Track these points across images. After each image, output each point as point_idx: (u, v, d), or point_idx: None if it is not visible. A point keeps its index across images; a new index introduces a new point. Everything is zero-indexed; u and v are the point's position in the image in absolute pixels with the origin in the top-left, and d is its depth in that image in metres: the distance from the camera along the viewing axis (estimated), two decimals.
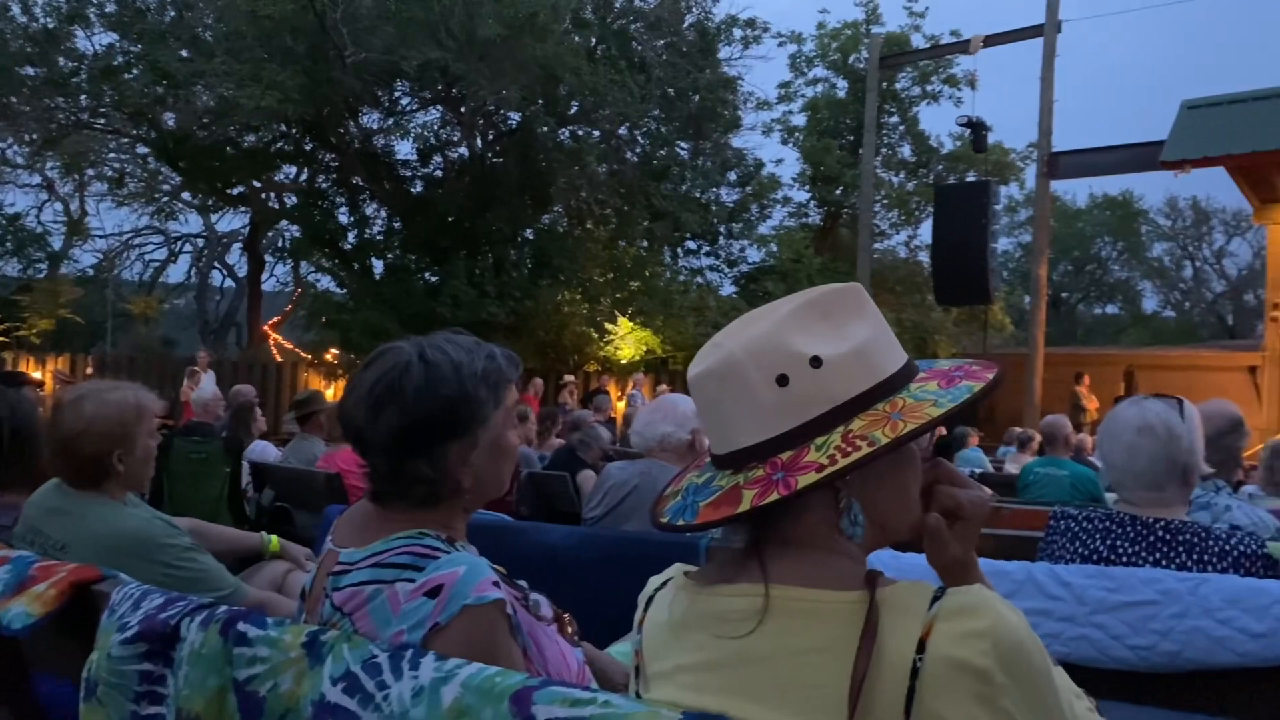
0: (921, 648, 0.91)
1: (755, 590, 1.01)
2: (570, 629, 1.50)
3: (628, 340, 17.76)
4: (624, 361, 17.64)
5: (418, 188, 18.26)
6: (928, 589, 0.97)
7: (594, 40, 17.52)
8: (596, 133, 17.31)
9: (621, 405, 14.58)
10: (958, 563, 1.12)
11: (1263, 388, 14.32)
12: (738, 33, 19.20)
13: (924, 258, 20.71)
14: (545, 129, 16.20)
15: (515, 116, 17.19)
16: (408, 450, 1.37)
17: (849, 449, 0.99)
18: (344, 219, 18.14)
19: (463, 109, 17.06)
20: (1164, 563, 2.03)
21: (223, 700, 1.30)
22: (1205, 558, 2.02)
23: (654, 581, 1.17)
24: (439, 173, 18.25)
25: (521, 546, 2.80)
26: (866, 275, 17.19)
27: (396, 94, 17.17)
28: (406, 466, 1.38)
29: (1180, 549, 2.04)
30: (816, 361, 1.02)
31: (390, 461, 1.39)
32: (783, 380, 1.02)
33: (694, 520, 1.05)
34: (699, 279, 20.95)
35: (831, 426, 1.01)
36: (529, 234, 18.49)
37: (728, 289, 21.46)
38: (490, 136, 18.10)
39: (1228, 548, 2.02)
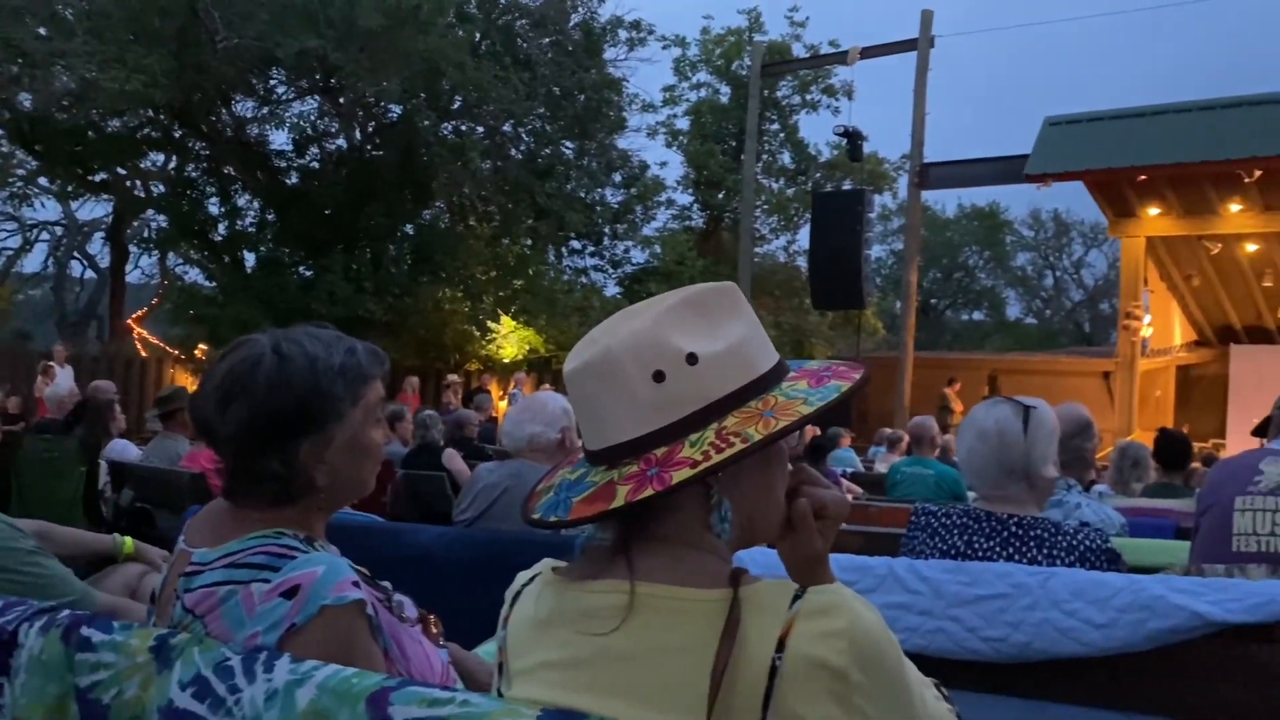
0: (781, 647, 0.93)
1: (621, 587, 1.01)
2: (435, 629, 1.48)
3: (510, 339, 17.64)
4: (506, 361, 17.51)
5: (293, 179, 17.75)
6: (789, 588, 0.98)
7: (478, 35, 17.34)
8: (480, 129, 17.14)
9: (504, 405, 14.48)
10: (815, 557, 1.14)
11: (1115, 392, 15.10)
12: (623, 34, 19.28)
13: (802, 263, 21.18)
14: (427, 123, 15.95)
15: (396, 109, 16.86)
16: (257, 446, 1.33)
17: (723, 445, 1.00)
18: (214, 209, 17.52)
19: (341, 100, 16.65)
20: (1016, 557, 2.12)
21: (63, 709, 1.23)
22: (1054, 552, 2.12)
23: (522, 577, 1.16)
24: (316, 164, 17.78)
25: (392, 548, 2.76)
26: (747, 279, 17.48)
27: (272, 82, 16.66)
28: (257, 462, 1.34)
29: (1032, 544, 2.14)
30: (693, 359, 1.03)
31: (240, 457, 1.35)
32: (659, 376, 1.03)
33: (567, 516, 1.04)
34: (583, 279, 20.98)
35: (706, 423, 1.02)
36: (409, 229, 18.17)
37: (612, 289, 21.54)
38: (370, 129, 17.73)
39: (1075, 543, 2.12)
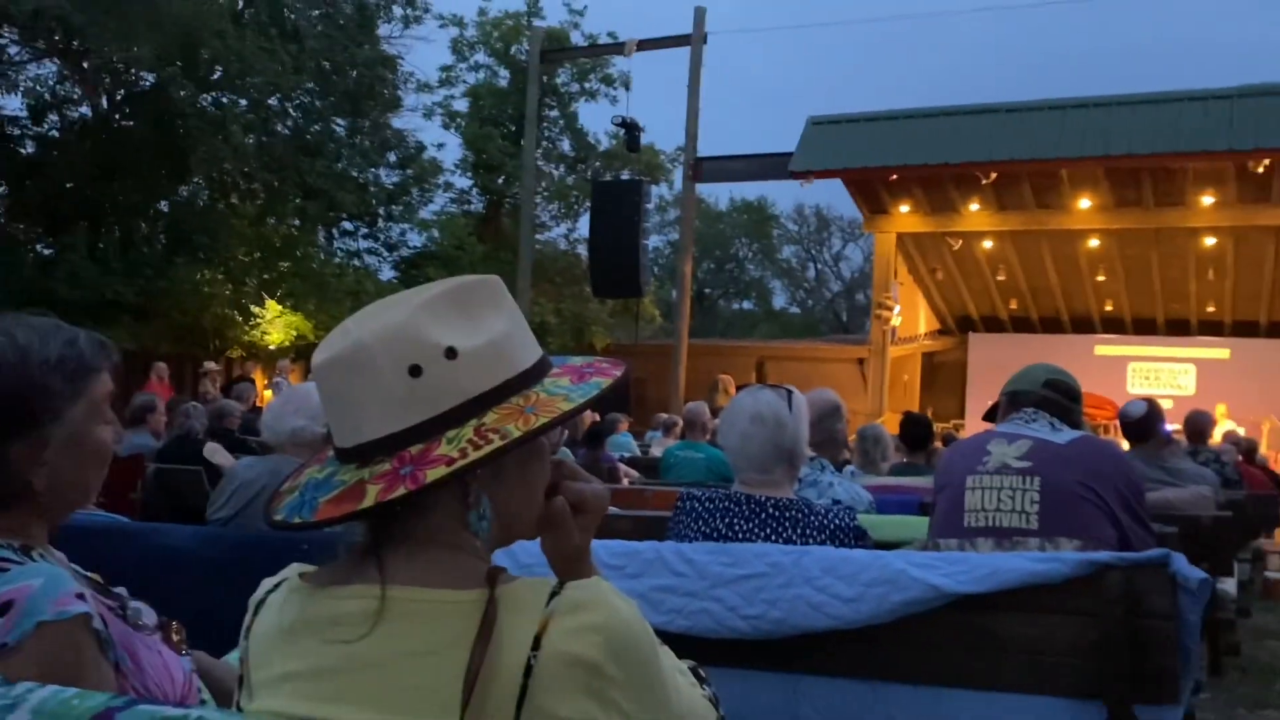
0: (537, 644, 0.91)
1: (371, 592, 0.96)
2: (177, 636, 1.38)
3: (276, 324, 16.82)
4: (272, 347, 16.69)
5: (29, 149, 16.20)
6: (546, 585, 0.96)
7: (241, 3, 16.40)
8: (243, 101, 16.22)
9: (268, 394, 13.81)
10: (575, 552, 1.14)
11: (868, 377, 16.16)
12: (398, 10, 18.77)
13: (583, 250, 21.35)
14: (184, 93, 14.93)
15: (149, 77, 15.71)
16: None
17: (481, 442, 0.97)
18: None
19: (85, 65, 15.33)
20: (774, 537, 2.23)
21: None
22: (808, 531, 2.24)
23: (266, 584, 1.10)
24: (56, 133, 16.31)
25: (139, 549, 2.57)
26: (528, 265, 17.47)
27: (2, 41, 15.11)
28: None
29: (787, 524, 2.25)
30: (451, 353, 1.00)
31: None
32: (415, 371, 0.99)
33: (312, 518, 0.99)
34: (356, 262, 20.27)
35: (464, 419, 0.99)
36: (164, 207, 17.00)
37: (387, 274, 20.95)
38: (119, 97, 16.42)
39: (826, 522, 2.25)
